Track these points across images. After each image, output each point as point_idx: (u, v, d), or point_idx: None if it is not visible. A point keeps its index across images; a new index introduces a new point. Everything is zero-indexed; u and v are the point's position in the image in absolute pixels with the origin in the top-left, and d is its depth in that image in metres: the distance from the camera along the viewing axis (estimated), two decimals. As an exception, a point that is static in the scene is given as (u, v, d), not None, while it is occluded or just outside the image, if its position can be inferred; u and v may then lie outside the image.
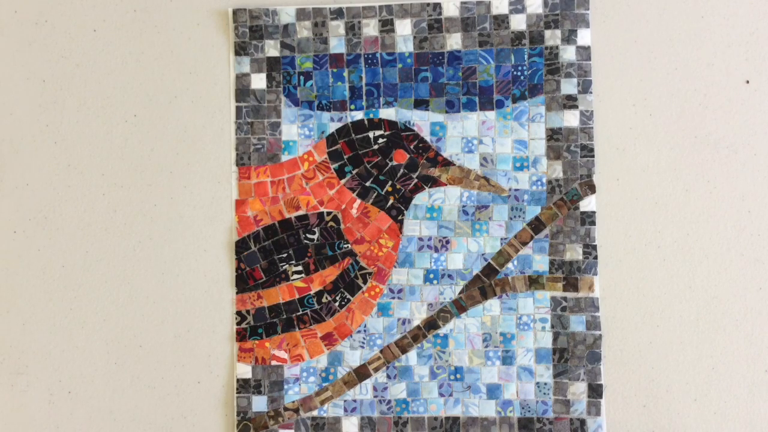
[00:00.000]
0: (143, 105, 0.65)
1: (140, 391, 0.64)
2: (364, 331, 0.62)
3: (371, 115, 0.63)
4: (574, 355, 0.61)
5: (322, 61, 0.64)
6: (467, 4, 0.63)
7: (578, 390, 0.61)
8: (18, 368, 0.65)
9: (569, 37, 0.62)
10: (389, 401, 0.62)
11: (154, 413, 0.64)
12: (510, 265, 0.62)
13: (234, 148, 0.64)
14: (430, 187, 0.63)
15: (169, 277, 0.64)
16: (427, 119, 0.63)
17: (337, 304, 0.62)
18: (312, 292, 0.63)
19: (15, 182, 0.65)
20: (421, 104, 0.63)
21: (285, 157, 0.64)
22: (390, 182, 0.63)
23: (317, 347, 0.63)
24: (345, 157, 0.63)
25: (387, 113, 0.63)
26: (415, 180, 0.63)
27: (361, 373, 0.62)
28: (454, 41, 0.63)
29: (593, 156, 0.62)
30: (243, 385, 0.63)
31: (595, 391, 0.61)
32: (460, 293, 0.62)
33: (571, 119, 0.62)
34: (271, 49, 0.64)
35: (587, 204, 0.62)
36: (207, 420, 0.64)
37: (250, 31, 0.64)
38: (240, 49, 0.64)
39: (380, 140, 0.63)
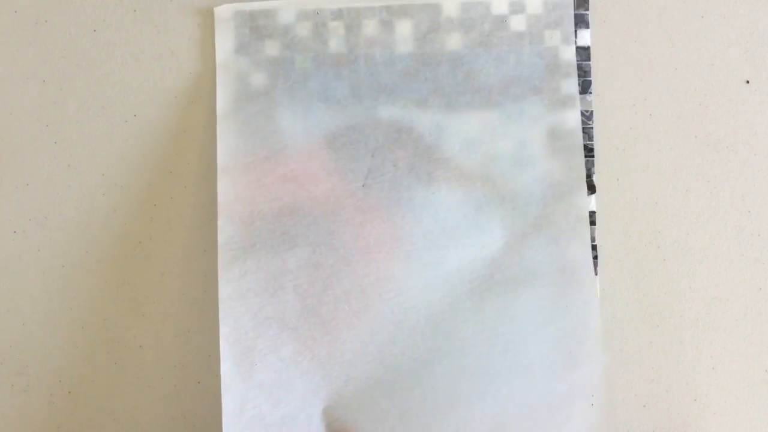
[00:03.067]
0: (143, 105, 0.65)
1: (140, 391, 0.64)
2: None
3: (371, 116, 0.63)
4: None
5: (322, 61, 0.64)
6: (467, 4, 0.63)
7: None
8: (18, 368, 0.65)
9: (569, 37, 0.62)
10: (389, 401, 0.62)
11: (154, 413, 0.64)
12: (510, 265, 0.62)
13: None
14: (430, 187, 0.63)
15: (169, 277, 0.64)
16: (427, 119, 0.63)
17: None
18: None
19: (15, 182, 0.65)
20: (421, 104, 0.63)
21: (285, 157, 0.63)
22: (390, 183, 0.63)
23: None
24: (345, 157, 0.63)
25: (387, 113, 0.63)
26: (415, 180, 0.63)
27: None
28: (453, 41, 0.63)
29: (593, 156, 0.62)
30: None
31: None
32: (460, 293, 0.62)
33: (571, 119, 0.62)
34: (271, 49, 0.64)
35: (587, 204, 0.62)
36: (207, 420, 0.64)
37: (250, 31, 0.64)
38: (240, 49, 0.64)
39: (380, 140, 0.63)
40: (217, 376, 0.64)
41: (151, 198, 0.64)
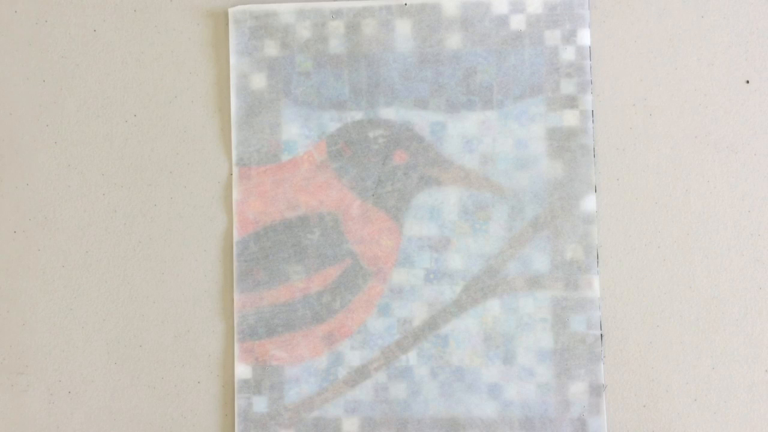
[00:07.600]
0: (143, 105, 0.65)
1: (140, 391, 0.64)
2: (365, 331, 0.62)
3: (371, 115, 0.63)
4: (574, 355, 0.61)
5: (322, 60, 0.64)
6: (467, 4, 0.63)
7: (578, 390, 0.61)
8: (18, 368, 0.65)
9: (569, 37, 0.62)
10: (389, 401, 0.62)
11: (154, 413, 0.64)
12: (510, 264, 0.62)
13: (234, 148, 0.64)
14: (430, 187, 0.63)
15: (169, 277, 0.64)
16: (427, 119, 0.63)
17: (337, 304, 0.62)
18: (312, 292, 0.63)
19: (15, 182, 0.65)
20: (421, 104, 0.63)
21: (285, 157, 0.64)
22: (390, 182, 0.63)
23: (317, 347, 0.63)
24: (345, 157, 0.63)
25: (387, 113, 0.63)
26: (415, 180, 0.63)
27: (361, 373, 0.62)
28: (454, 41, 0.63)
29: (593, 156, 0.62)
30: (243, 385, 0.63)
31: (595, 391, 0.61)
32: (460, 293, 0.62)
33: (571, 119, 0.62)
34: (271, 49, 0.64)
35: (587, 204, 0.62)
36: (207, 420, 0.64)
37: (250, 31, 0.64)
38: (240, 49, 0.64)
39: (380, 140, 0.63)
40: (218, 376, 0.64)
41: (151, 198, 0.64)
